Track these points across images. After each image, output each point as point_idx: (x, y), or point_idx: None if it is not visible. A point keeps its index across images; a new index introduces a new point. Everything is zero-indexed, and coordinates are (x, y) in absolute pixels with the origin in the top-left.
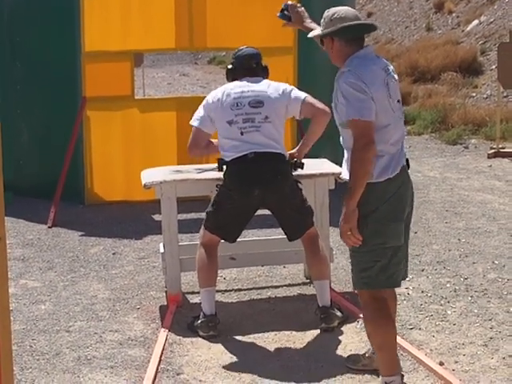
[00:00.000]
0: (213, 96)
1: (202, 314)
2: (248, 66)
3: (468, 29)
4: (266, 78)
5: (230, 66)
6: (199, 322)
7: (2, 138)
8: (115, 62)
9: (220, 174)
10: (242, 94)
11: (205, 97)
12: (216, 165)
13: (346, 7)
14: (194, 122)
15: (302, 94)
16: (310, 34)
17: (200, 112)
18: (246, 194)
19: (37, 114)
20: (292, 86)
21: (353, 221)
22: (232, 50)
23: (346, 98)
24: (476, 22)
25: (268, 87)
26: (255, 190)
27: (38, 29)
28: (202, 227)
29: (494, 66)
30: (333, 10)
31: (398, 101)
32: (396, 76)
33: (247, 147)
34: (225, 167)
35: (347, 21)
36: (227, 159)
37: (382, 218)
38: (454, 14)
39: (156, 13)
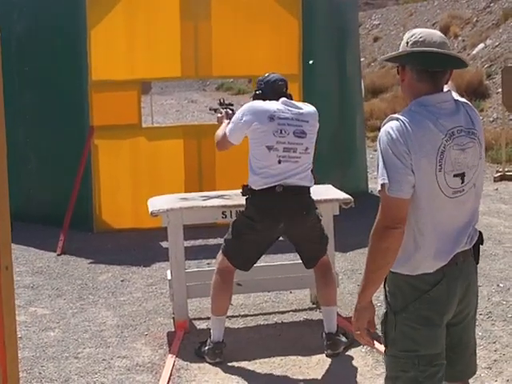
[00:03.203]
0: (255, 116)
1: (209, 340)
2: (280, 91)
3: (474, 52)
4: None
5: (258, 92)
6: (206, 348)
7: (11, 166)
8: (122, 90)
9: (226, 202)
10: (286, 122)
11: (213, 125)
12: (221, 192)
13: (433, 30)
14: (230, 137)
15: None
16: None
17: (237, 127)
18: (269, 227)
19: (45, 143)
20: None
21: (362, 319)
22: (237, 77)
23: (381, 156)
24: (481, 45)
25: (309, 115)
26: (280, 223)
27: (45, 58)
28: (221, 253)
29: (500, 90)
30: (414, 31)
31: (462, 177)
32: (475, 142)
33: (279, 178)
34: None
35: (426, 46)
36: (255, 187)
37: (411, 319)
38: (459, 38)
39: (162, 42)
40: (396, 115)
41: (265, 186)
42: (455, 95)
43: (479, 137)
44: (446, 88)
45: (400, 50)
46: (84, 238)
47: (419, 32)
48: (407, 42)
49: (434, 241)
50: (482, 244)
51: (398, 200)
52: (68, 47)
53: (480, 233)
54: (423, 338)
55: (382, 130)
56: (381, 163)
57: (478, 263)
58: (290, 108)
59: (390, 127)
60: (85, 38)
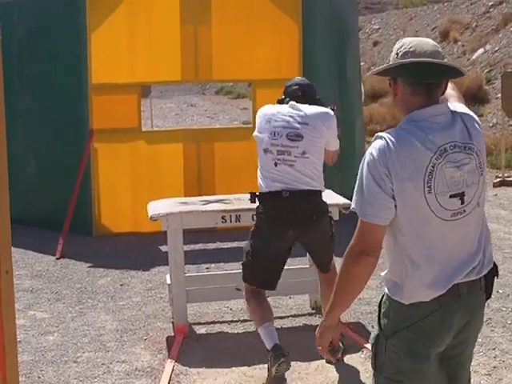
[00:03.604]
0: (258, 120)
1: (267, 351)
2: (295, 95)
3: (473, 57)
4: None
5: (281, 97)
6: (269, 358)
7: (10, 169)
8: (122, 94)
9: (226, 206)
10: (282, 124)
11: (213, 129)
12: (221, 197)
13: (424, 39)
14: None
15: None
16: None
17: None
18: (279, 235)
19: (45, 146)
20: (332, 116)
21: (326, 337)
22: (237, 81)
23: (359, 177)
24: (481, 50)
25: (311, 117)
26: (289, 231)
27: (46, 61)
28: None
29: (499, 95)
30: (404, 40)
31: (461, 197)
32: (471, 158)
33: (282, 182)
34: (257, 201)
35: (417, 56)
36: (260, 192)
37: (399, 347)
38: (459, 43)
39: (162, 46)
40: (382, 133)
41: (266, 190)
42: (456, 106)
43: (477, 151)
44: (447, 99)
45: (390, 62)
46: (83, 242)
47: (409, 41)
48: (397, 53)
49: (428, 269)
50: (497, 277)
51: (373, 226)
52: (68, 50)
53: (495, 264)
54: (408, 369)
55: (369, 148)
56: (357, 184)
57: (489, 297)
58: (292, 111)
59: (374, 147)
60: (85, 40)
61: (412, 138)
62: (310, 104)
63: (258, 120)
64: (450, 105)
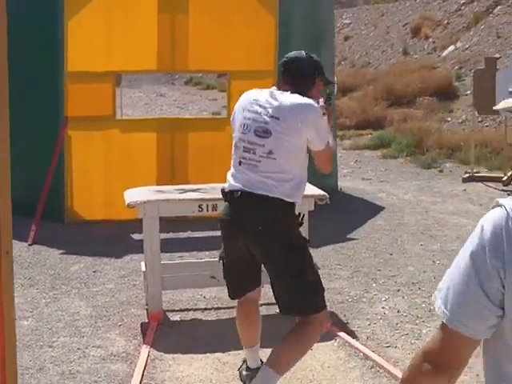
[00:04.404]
0: (236, 107)
1: (245, 365)
2: (281, 72)
3: (444, 54)
4: (305, 90)
5: None
6: (245, 374)
7: None
8: (97, 82)
9: (203, 195)
10: (253, 116)
11: (187, 119)
12: (198, 186)
13: None
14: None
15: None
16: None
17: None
18: (231, 240)
19: (19, 133)
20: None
21: None
22: (213, 72)
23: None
24: (452, 47)
25: (283, 110)
26: (239, 237)
27: (21, 49)
28: None
29: (469, 92)
30: None
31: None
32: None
33: (240, 181)
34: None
35: None
36: (224, 189)
37: None
38: (430, 39)
39: (139, 35)
40: (504, 199)
41: (227, 189)
42: None
43: None
44: None
45: None
46: (55, 229)
47: None
48: None
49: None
50: None
51: (460, 337)
52: (45, 38)
53: None
54: None
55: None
56: (453, 267)
57: None
58: (269, 99)
59: (488, 219)
60: (62, 29)
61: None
62: (294, 86)
63: (235, 106)
64: None
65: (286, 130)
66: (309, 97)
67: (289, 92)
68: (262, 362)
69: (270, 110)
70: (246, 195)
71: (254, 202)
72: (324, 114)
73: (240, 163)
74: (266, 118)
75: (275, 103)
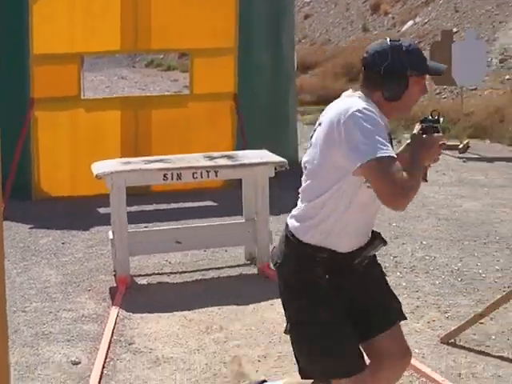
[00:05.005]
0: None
1: None
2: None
3: (403, 29)
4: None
5: None
6: None
7: None
8: (63, 64)
9: (168, 165)
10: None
11: (150, 96)
12: (163, 157)
13: None
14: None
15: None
16: None
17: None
18: None
19: None
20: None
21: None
22: (175, 51)
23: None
24: (411, 22)
25: (325, 117)
26: None
27: None
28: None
29: None
30: None
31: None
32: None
33: None
34: None
35: None
36: None
37: None
38: (389, 15)
39: (102, 15)
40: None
41: None
42: None
43: None
44: None
45: None
46: (23, 206)
47: None
48: None
49: None
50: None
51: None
52: (10, 21)
53: None
54: None
55: None
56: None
57: None
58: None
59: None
60: (27, 12)
61: None
62: (378, 85)
63: None
64: None
65: (322, 142)
66: (402, 102)
67: (355, 97)
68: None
69: (321, 118)
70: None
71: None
72: (420, 144)
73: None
74: (315, 128)
75: (327, 109)
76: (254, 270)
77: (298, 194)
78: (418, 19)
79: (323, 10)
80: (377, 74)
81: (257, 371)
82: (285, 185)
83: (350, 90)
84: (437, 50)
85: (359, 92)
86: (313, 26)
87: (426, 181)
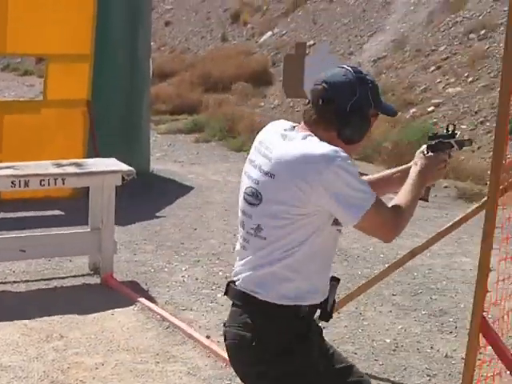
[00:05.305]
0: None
1: None
2: (313, 102)
3: (261, 40)
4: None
5: None
6: None
7: None
8: None
9: (17, 172)
10: (250, 171)
11: (3, 101)
12: (12, 163)
13: None
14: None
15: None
16: None
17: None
18: None
19: None
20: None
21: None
22: (31, 55)
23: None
24: (269, 33)
25: (279, 164)
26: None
27: None
28: None
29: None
30: None
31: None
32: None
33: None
34: None
35: None
36: None
37: None
38: (249, 26)
39: None
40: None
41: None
42: None
43: None
44: None
45: None
46: None
47: None
48: None
49: None
50: None
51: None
52: None
53: None
54: None
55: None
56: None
57: None
58: (276, 143)
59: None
60: None
61: None
62: (339, 123)
63: None
64: None
65: (282, 195)
66: (358, 145)
67: (312, 137)
68: None
69: (265, 164)
70: (231, 291)
71: (238, 302)
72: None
73: (237, 243)
74: (260, 176)
75: (270, 153)
76: (97, 280)
77: (147, 203)
78: (276, 30)
79: (184, 18)
80: (340, 111)
81: (93, 378)
82: (133, 194)
83: (290, 124)
84: (290, 61)
85: (307, 130)
86: (173, 33)
87: (427, 201)
